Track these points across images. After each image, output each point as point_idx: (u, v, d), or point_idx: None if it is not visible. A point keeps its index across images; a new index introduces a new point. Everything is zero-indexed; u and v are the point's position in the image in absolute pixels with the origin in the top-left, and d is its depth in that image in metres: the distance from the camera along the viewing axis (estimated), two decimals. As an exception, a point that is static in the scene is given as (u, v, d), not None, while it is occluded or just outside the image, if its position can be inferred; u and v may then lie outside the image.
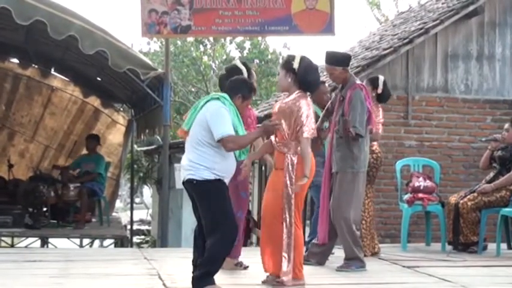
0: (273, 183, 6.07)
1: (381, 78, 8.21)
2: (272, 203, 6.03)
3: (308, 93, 6.18)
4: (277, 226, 5.95)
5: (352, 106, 6.90)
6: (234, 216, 5.87)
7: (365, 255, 7.50)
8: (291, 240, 5.88)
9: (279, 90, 6.28)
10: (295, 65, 6.03)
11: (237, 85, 5.97)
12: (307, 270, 6.33)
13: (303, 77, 6.04)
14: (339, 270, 6.94)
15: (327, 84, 8.15)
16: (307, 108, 5.95)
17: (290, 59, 6.12)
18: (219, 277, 5.85)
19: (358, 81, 7.16)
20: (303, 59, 6.08)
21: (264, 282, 6.12)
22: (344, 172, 6.95)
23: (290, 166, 5.92)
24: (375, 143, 8.06)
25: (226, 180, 5.80)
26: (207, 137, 5.70)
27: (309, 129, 5.91)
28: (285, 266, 5.89)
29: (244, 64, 6.93)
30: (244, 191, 6.97)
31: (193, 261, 5.98)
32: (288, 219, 5.88)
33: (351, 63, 7.75)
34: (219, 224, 5.66)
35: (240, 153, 5.90)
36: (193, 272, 5.87)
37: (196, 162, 5.70)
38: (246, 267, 6.97)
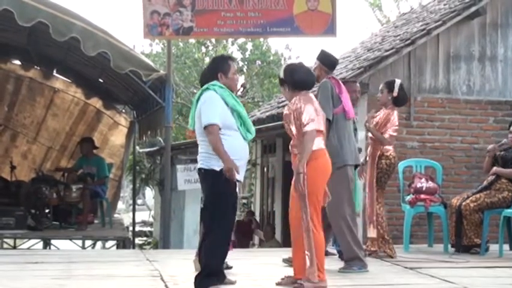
0: (292, 186, 6.08)
1: (397, 81, 8.21)
2: (292, 205, 6.06)
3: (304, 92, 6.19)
4: (296, 228, 5.97)
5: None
6: (231, 215, 5.88)
7: (391, 256, 7.78)
8: (311, 239, 5.84)
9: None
10: (281, 74, 6.26)
11: (211, 68, 6.07)
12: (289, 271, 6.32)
13: (291, 80, 6.16)
14: (341, 272, 6.93)
15: (358, 84, 8.17)
16: (304, 104, 5.97)
17: (279, 73, 6.33)
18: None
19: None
20: (287, 66, 6.29)
21: (278, 284, 6.10)
22: (340, 170, 6.92)
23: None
24: (391, 147, 8.05)
25: (239, 163, 5.78)
26: None
27: (308, 121, 5.90)
28: (308, 264, 5.88)
29: None
30: None
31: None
32: (304, 218, 5.87)
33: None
34: (215, 219, 5.76)
35: (246, 133, 5.90)
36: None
37: (204, 152, 5.85)
38: (229, 267, 6.98)
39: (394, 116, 8.09)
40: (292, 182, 6.06)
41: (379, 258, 7.94)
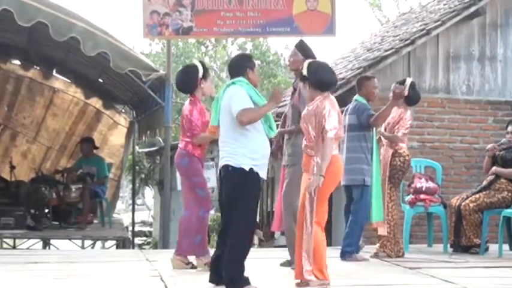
0: (304, 187, 6.05)
1: (408, 80, 8.17)
2: (301, 206, 6.03)
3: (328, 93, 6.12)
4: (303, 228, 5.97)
5: (302, 96, 6.92)
6: (255, 215, 5.88)
7: (389, 256, 7.82)
8: (311, 241, 5.84)
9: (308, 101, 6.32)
10: (305, 71, 6.10)
11: (238, 64, 6.07)
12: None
13: (315, 79, 6.05)
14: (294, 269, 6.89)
15: (375, 80, 8.25)
16: (330, 108, 5.94)
17: (301, 69, 6.18)
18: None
19: None
20: (310, 64, 6.14)
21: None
22: (292, 165, 6.91)
23: (315, 168, 5.91)
24: (404, 145, 8.03)
25: (262, 162, 5.81)
26: (237, 122, 5.79)
27: (332, 128, 5.88)
28: (306, 264, 5.87)
29: (201, 63, 7.15)
30: (201, 189, 7.00)
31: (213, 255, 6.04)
32: (308, 219, 5.86)
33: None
34: (238, 218, 5.71)
35: (269, 130, 5.91)
36: (212, 264, 5.96)
37: (234, 149, 5.78)
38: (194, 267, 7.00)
39: (407, 115, 8.05)
40: (304, 183, 6.03)
41: (378, 258, 7.94)
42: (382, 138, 8.19)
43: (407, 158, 8.05)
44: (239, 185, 5.73)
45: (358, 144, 7.78)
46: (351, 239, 7.83)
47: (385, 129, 8.14)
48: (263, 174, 5.87)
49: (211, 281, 5.99)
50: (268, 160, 5.91)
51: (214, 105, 6.02)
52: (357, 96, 8.07)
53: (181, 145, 7.07)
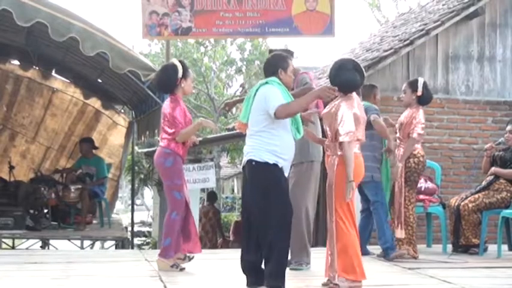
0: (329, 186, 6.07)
1: (421, 80, 8.14)
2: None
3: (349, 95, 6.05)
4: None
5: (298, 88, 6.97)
6: (289, 203, 5.81)
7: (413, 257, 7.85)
8: (333, 239, 5.84)
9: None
10: (329, 71, 6.12)
11: (271, 64, 6.07)
12: (299, 274, 6.30)
13: (334, 80, 6.04)
14: (292, 269, 6.87)
15: (378, 89, 8.47)
16: (344, 110, 5.90)
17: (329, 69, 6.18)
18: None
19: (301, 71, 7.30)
20: (334, 63, 6.12)
21: (324, 285, 6.04)
22: (299, 163, 6.93)
23: (331, 167, 5.92)
24: (419, 146, 8.02)
25: (287, 163, 5.83)
26: (267, 121, 5.78)
27: (344, 132, 5.85)
28: (330, 263, 5.89)
29: (180, 62, 7.15)
30: (179, 192, 6.97)
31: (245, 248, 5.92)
32: (329, 219, 5.87)
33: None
34: (272, 209, 5.67)
35: (296, 132, 5.93)
36: (243, 261, 5.85)
37: (257, 145, 5.79)
38: (182, 269, 7.00)
39: (419, 114, 7.98)
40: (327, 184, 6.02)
41: (377, 258, 7.95)
42: (396, 136, 8.20)
43: (421, 159, 7.97)
44: (264, 179, 5.72)
45: (368, 143, 7.76)
46: (384, 237, 7.91)
47: (399, 130, 8.12)
48: (285, 174, 5.89)
49: (249, 284, 5.86)
50: (290, 162, 5.91)
51: (245, 103, 6.00)
52: (364, 102, 8.08)
53: (162, 144, 7.00)
